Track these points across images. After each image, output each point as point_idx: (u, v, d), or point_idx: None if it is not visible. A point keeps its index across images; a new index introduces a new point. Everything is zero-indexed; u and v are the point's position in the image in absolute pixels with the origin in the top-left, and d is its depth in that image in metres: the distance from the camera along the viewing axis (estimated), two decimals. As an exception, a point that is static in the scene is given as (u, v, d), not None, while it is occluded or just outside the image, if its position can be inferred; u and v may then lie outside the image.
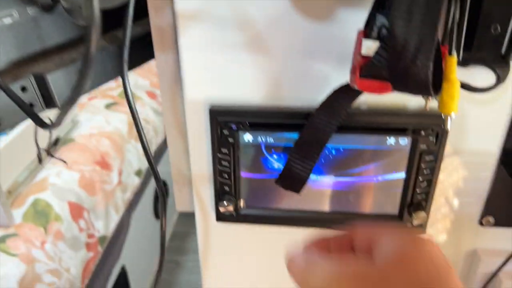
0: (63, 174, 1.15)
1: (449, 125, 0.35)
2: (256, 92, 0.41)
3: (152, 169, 0.41)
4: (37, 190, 1.08)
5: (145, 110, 1.60)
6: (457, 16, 0.31)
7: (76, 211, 1.11)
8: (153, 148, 1.64)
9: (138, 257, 1.68)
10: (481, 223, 0.45)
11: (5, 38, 0.37)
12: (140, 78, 1.83)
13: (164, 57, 0.41)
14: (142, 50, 0.44)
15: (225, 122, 0.41)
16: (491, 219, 0.45)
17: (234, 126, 0.41)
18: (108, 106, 1.57)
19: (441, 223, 0.46)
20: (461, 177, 0.43)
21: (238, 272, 0.52)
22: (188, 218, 0.64)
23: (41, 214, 1.02)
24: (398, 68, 0.28)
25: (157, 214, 1.95)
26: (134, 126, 0.37)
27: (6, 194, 1.03)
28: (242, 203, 0.45)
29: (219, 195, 0.45)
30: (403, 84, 0.29)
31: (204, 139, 0.43)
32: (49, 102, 0.37)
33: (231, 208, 0.44)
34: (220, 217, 0.46)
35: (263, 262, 0.50)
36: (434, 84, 0.31)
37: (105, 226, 1.23)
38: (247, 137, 0.42)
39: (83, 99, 1.62)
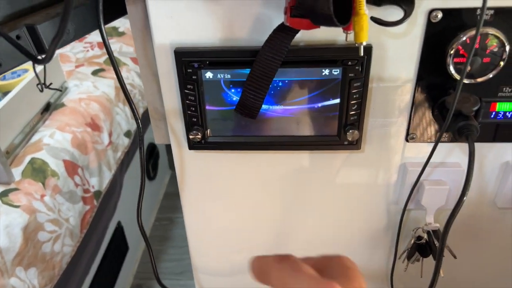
0: (56, 135, 1.23)
1: (361, 52, 0.43)
2: (213, 35, 0.49)
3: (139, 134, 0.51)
4: (33, 151, 1.16)
5: (131, 75, 1.66)
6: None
7: (71, 168, 1.20)
8: (140, 111, 1.72)
9: (133, 214, 1.79)
10: (407, 140, 0.55)
11: (-1, -3, 0.44)
12: (124, 45, 1.88)
13: (135, 8, 0.49)
14: (116, 5, 0.52)
15: (188, 61, 0.49)
16: (414, 135, 0.54)
17: (196, 65, 0.49)
18: (95, 73, 1.63)
19: (375, 142, 0.55)
20: (388, 100, 0.52)
21: (210, 192, 0.61)
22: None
23: (38, 171, 1.11)
24: (308, 7, 0.37)
25: (148, 175, 2.05)
26: (121, 90, 0.46)
27: (4, 154, 1.11)
28: (208, 132, 0.54)
29: (189, 126, 0.53)
30: (315, 19, 0.38)
31: (172, 78, 0.51)
32: (39, 48, 0.45)
33: (199, 136, 0.53)
34: (191, 145, 0.55)
35: (230, 183, 0.60)
36: (347, 18, 0.39)
37: (99, 182, 1.33)
38: (208, 74, 0.50)
39: (71, 67, 1.68)
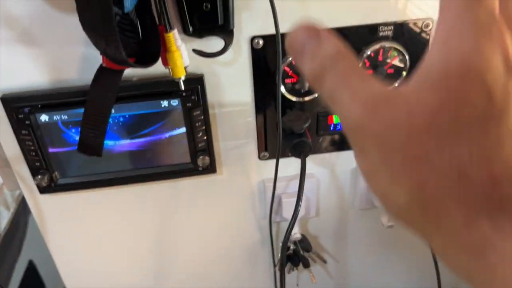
0: None
1: (182, 86, 0.44)
2: (42, 78, 0.47)
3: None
4: None
5: None
6: (164, 5, 0.40)
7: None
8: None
9: (47, 250, 1.69)
10: (259, 158, 0.57)
11: None
12: None
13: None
14: None
15: (18, 107, 0.47)
16: (266, 153, 0.56)
17: (26, 110, 0.47)
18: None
19: (232, 164, 0.57)
20: (233, 123, 0.54)
21: (75, 233, 0.59)
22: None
23: None
24: (106, 54, 0.37)
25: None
26: None
27: None
28: (56, 174, 0.53)
29: (34, 171, 0.51)
30: (117, 61, 0.38)
31: (7, 124, 0.49)
32: None
33: (46, 181, 0.51)
34: (41, 190, 0.53)
35: (93, 222, 0.59)
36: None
37: (-6, 224, 1.24)
38: (43, 117, 0.49)
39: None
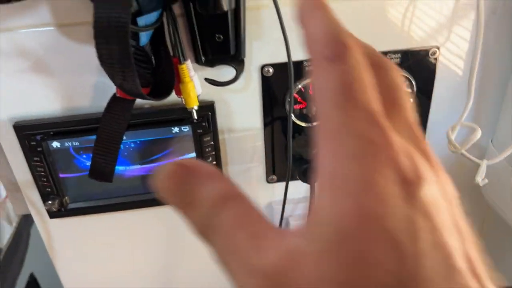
0: None
1: (195, 116, 0.45)
2: (54, 105, 0.48)
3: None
4: None
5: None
6: (178, 37, 0.41)
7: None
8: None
9: (48, 262, 1.69)
10: (267, 181, 0.57)
11: None
12: None
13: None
14: None
15: (31, 134, 0.48)
16: (274, 177, 0.57)
17: (38, 137, 0.48)
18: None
19: (240, 186, 0.57)
20: (242, 148, 0.54)
21: (86, 257, 0.60)
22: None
23: None
24: (122, 87, 0.37)
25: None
26: None
27: None
28: (67, 199, 0.53)
29: (44, 196, 0.52)
30: (133, 95, 0.39)
31: (19, 151, 0.50)
32: None
33: (56, 205, 0.52)
34: (51, 214, 0.53)
35: (103, 246, 0.59)
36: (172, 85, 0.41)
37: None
38: (55, 144, 0.49)
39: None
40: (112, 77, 0.37)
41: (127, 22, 0.33)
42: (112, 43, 0.35)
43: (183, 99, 0.44)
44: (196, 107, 0.44)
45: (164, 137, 0.51)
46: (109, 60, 0.35)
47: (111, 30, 0.33)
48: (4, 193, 1.34)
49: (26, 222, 1.51)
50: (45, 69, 0.45)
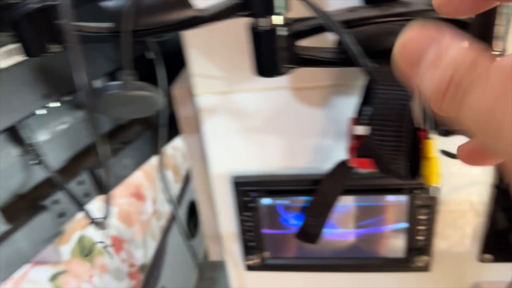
0: (103, 209, 1.24)
1: (435, 194, 0.41)
2: (271, 164, 0.47)
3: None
4: (80, 227, 1.18)
5: (172, 138, 1.69)
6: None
7: (117, 243, 1.20)
8: (182, 172, 1.73)
9: (176, 275, 1.77)
10: (480, 260, 0.50)
11: (62, 141, 0.45)
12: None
13: (191, 139, 0.49)
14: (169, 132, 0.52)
15: (247, 191, 0.48)
16: (489, 256, 0.50)
17: (254, 194, 0.48)
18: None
19: (444, 262, 0.51)
20: (458, 223, 0.49)
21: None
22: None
23: (86, 250, 1.12)
24: (380, 164, 0.35)
25: (191, 234, 2.04)
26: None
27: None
28: (266, 254, 0.52)
29: (246, 250, 0.52)
30: (385, 173, 0.36)
31: (228, 203, 0.50)
32: (101, 189, 0.45)
33: (257, 260, 0.51)
34: (249, 267, 0.53)
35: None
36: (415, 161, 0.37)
37: (144, 254, 1.33)
38: (266, 201, 0.49)
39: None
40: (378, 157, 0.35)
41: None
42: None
43: (423, 176, 0.40)
44: (439, 185, 0.40)
45: (376, 204, 0.48)
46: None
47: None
48: (151, 210, 1.44)
49: (164, 237, 1.60)
50: (272, 128, 0.45)
